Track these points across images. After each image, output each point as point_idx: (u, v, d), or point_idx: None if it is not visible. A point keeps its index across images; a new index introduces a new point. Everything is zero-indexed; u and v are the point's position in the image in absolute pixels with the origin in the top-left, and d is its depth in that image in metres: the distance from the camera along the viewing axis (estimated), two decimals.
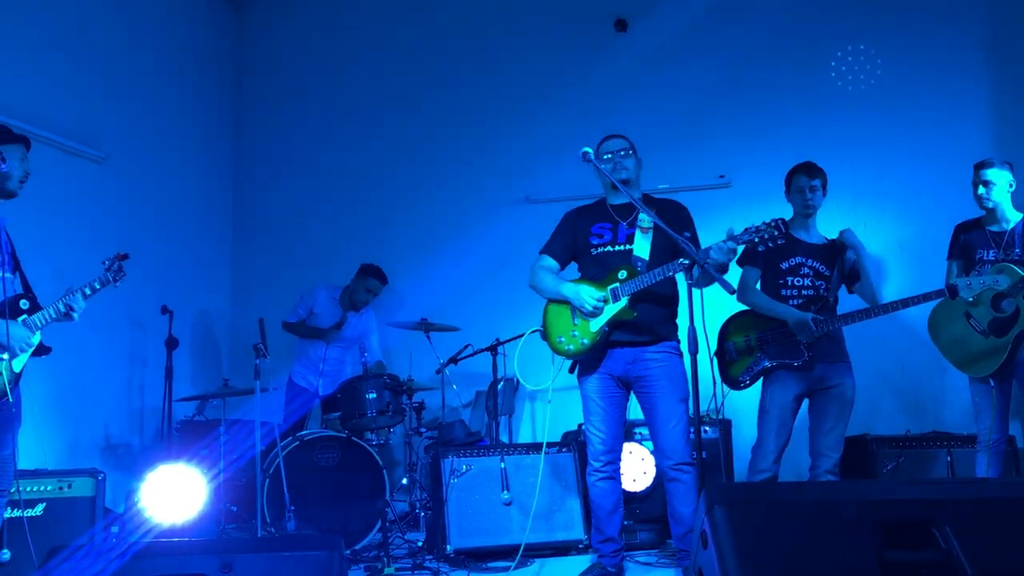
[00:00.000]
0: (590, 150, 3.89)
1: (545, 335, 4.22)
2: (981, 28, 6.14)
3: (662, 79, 6.42)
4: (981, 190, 4.41)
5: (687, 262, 3.60)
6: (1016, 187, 4.45)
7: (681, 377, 4.01)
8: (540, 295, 4.26)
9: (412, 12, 7.16)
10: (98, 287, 3.86)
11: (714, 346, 4.45)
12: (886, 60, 6.21)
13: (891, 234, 6.06)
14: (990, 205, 4.41)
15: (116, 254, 3.98)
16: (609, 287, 3.99)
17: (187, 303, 6.63)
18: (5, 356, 3.50)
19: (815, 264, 4.44)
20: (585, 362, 4.12)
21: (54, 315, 3.71)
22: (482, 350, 5.83)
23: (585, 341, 4.03)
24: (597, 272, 4.09)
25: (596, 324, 4.00)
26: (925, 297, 4.21)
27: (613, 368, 4.06)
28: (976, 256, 4.44)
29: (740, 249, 3.71)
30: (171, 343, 5.70)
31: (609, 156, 4.12)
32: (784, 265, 4.45)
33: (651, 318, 3.98)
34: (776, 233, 3.53)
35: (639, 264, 3.98)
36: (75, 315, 3.78)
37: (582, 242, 4.19)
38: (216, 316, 7.05)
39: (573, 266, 4.31)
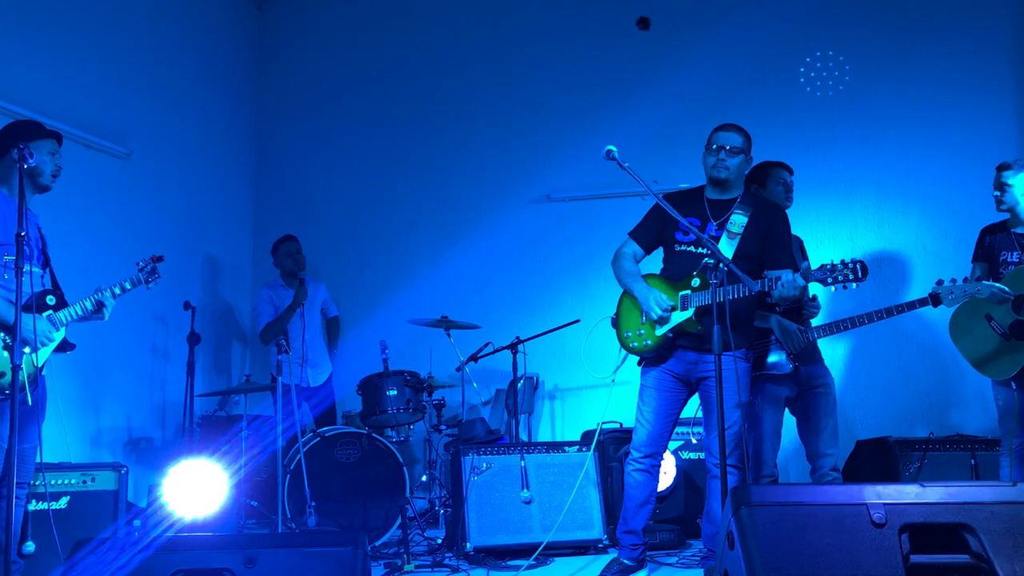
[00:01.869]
0: (613, 148, 3.75)
1: (615, 324, 4.21)
2: (1007, 26, 6.08)
3: (684, 77, 6.38)
4: (996, 193, 4.40)
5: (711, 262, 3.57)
6: None
7: (743, 382, 3.94)
8: (617, 280, 4.22)
9: (435, 10, 7.16)
10: (128, 287, 3.87)
11: None
12: (910, 58, 6.15)
13: (914, 235, 6.00)
14: (1004, 208, 4.39)
15: (152, 256, 3.97)
16: (680, 293, 3.94)
17: (209, 299, 6.68)
18: (27, 350, 3.52)
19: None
20: (651, 358, 4.10)
21: (81, 312, 3.72)
22: (502, 348, 5.83)
23: (649, 343, 4.03)
24: (675, 271, 4.04)
25: (661, 329, 3.97)
26: (909, 306, 4.17)
27: (675, 367, 4.04)
28: (1000, 258, 4.40)
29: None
30: (193, 338, 5.73)
31: (716, 148, 4.05)
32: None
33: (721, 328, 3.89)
34: (851, 276, 3.44)
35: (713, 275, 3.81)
36: (106, 312, 3.80)
37: (668, 234, 4.11)
38: (238, 312, 7.09)
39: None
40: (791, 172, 4.59)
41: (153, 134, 6.16)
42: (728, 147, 4.02)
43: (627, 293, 4.15)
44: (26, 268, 3.38)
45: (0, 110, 4.80)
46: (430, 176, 7.03)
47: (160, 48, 6.29)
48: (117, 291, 3.82)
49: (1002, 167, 4.40)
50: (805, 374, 4.34)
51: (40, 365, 3.63)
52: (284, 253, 6.26)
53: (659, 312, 3.92)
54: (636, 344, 4.08)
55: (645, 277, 4.11)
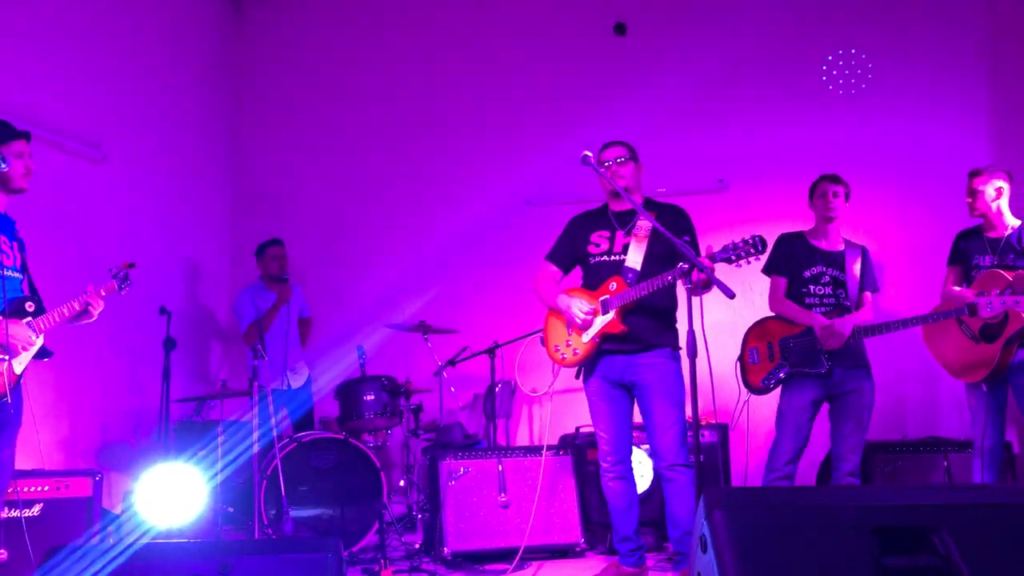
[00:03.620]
0: (590, 153, 3.93)
1: (544, 343, 4.35)
2: (980, 33, 6.15)
3: (660, 83, 6.42)
4: (968, 200, 4.47)
5: (687, 267, 3.62)
6: (1014, 193, 4.46)
7: (675, 381, 4.08)
8: (542, 303, 4.38)
9: (412, 15, 7.16)
10: (103, 294, 3.86)
11: (715, 351, 4.47)
12: (885, 63, 6.22)
13: (894, 241, 6.06)
14: (977, 214, 4.46)
15: (124, 263, 3.97)
16: (600, 299, 4.09)
17: (186, 303, 6.64)
18: (6, 356, 3.49)
19: (833, 272, 4.50)
20: (585, 367, 4.23)
21: (60, 317, 3.70)
22: (480, 352, 5.84)
23: (578, 351, 4.17)
24: (593, 281, 4.21)
25: (587, 336, 4.12)
26: (945, 315, 4.25)
27: (609, 373, 4.16)
28: (972, 262, 4.47)
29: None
30: (169, 344, 5.69)
31: (608, 164, 4.19)
32: (806, 274, 4.53)
33: (641, 328, 4.05)
34: (752, 251, 3.58)
35: (629, 276, 4.05)
36: (95, 312, 3.79)
37: (582, 250, 4.29)
38: (216, 316, 7.05)
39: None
40: (836, 182, 4.61)
41: (129, 138, 6.11)
42: (616, 160, 4.19)
43: (552, 311, 4.31)
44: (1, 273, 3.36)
45: None
46: (408, 180, 7.02)
47: (136, 51, 6.25)
48: (104, 293, 3.82)
49: (973, 173, 4.47)
50: (838, 377, 4.38)
51: (19, 372, 3.60)
52: (270, 257, 6.23)
53: (582, 316, 4.07)
54: (567, 355, 4.22)
55: (566, 291, 4.28)
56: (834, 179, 4.64)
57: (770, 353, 4.48)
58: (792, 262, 4.55)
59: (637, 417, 4.26)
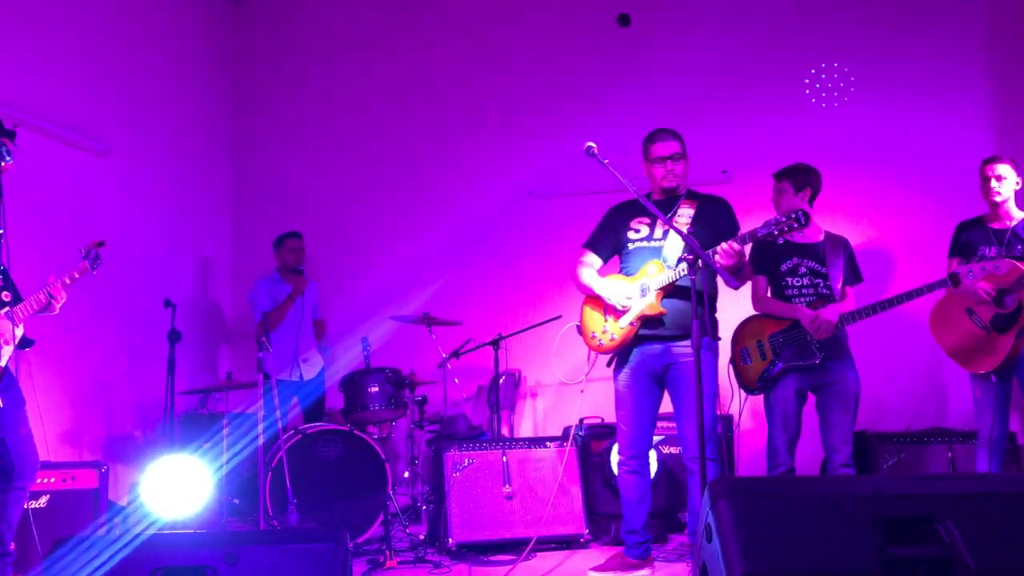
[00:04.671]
0: (594, 144, 3.87)
1: (581, 331, 4.33)
2: (981, 24, 6.13)
3: (664, 74, 6.41)
4: (993, 183, 4.43)
5: (691, 257, 3.62)
6: (1020, 186, 4.46)
7: (710, 372, 4.00)
8: (579, 290, 4.34)
9: (413, 6, 7.14)
10: (77, 276, 3.86)
11: (725, 342, 4.47)
12: (888, 54, 6.20)
13: (894, 232, 6.05)
14: (999, 199, 4.43)
15: (93, 241, 3.99)
16: (639, 282, 4.07)
17: (190, 296, 6.65)
18: None
19: (810, 263, 4.49)
20: (619, 356, 4.21)
21: (35, 306, 3.70)
22: (484, 344, 5.84)
23: (615, 336, 4.14)
24: (631, 267, 4.20)
25: (625, 320, 4.10)
26: (929, 288, 4.23)
27: (644, 363, 4.14)
28: (977, 253, 4.46)
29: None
30: (174, 336, 5.70)
31: (661, 159, 4.18)
32: (783, 267, 4.51)
33: (681, 313, 4.01)
34: (795, 224, 3.62)
35: (668, 260, 4.02)
36: (57, 306, 3.78)
37: (622, 237, 4.27)
38: (219, 309, 7.06)
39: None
40: (777, 178, 4.64)
41: (131, 130, 6.12)
42: (671, 155, 4.18)
43: (589, 298, 4.28)
44: None
45: None
46: (411, 172, 7.01)
47: (137, 44, 6.25)
48: (67, 281, 3.81)
49: (994, 159, 4.45)
50: (823, 369, 4.39)
51: (3, 364, 3.60)
52: (288, 249, 6.26)
53: (623, 299, 4.06)
54: (603, 341, 4.18)
55: (604, 277, 4.26)
56: (777, 175, 4.65)
57: (761, 352, 4.46)
58: (768, 259, 4.53)
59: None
